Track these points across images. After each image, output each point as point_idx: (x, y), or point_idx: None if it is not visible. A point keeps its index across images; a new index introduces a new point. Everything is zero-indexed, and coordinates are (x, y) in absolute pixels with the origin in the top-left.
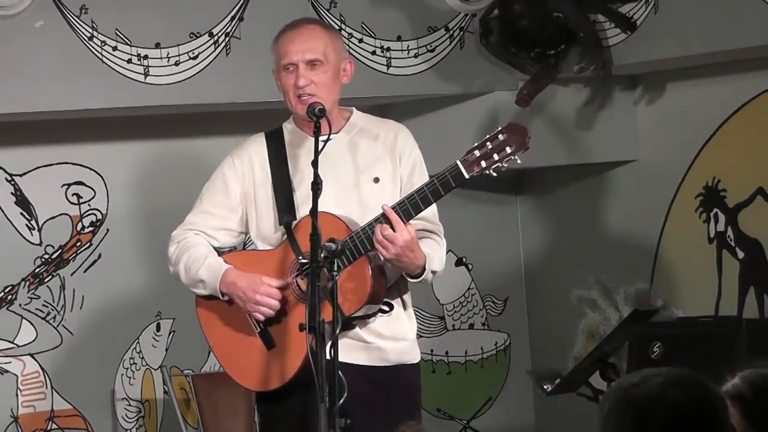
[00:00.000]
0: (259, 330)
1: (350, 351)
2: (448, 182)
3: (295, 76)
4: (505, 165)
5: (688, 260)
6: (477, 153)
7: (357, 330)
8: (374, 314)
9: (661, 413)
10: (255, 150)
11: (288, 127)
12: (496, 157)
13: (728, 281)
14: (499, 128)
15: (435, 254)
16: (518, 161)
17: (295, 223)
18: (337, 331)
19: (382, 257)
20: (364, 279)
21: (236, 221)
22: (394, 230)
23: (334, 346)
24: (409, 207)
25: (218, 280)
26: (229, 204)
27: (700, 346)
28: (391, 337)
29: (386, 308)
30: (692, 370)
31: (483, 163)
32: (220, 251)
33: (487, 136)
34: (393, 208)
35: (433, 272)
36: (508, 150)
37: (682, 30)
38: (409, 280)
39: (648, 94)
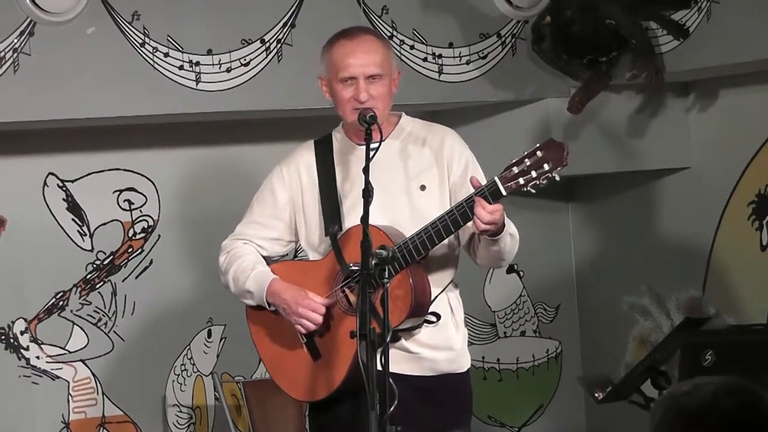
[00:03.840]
0: (304, 341)
1: (396, 362)
2: (486, 199)
3: (355, 90)
4: (543, 182)
5: (741, 268)
6: (515, 170)
7: (402, 341)
8: (419, 326)
9: (713, 422)
10: (303, 159)
11: (337, 136)
12: (534, 174)
13: None
14: (537, 145)
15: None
16: (556, 178)
17: (341, 233)
18: (388, 339)
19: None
20: (406, 292)
21: (285, 231)
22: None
23: (385, 354)
24: (449, 222)
25: (264, 290)
26: (278, 214)
27: (752, 353)
28: (436, 347)
29: (433, 319)
30: (744, 378)
31: (521, 180)
32: (269, 260)
33: (525, 153)
34: (433, 223)
35: (511, 235)
36: (546, 167)
37: (734, 37)
38: (488, 239)
39: (700, 101)
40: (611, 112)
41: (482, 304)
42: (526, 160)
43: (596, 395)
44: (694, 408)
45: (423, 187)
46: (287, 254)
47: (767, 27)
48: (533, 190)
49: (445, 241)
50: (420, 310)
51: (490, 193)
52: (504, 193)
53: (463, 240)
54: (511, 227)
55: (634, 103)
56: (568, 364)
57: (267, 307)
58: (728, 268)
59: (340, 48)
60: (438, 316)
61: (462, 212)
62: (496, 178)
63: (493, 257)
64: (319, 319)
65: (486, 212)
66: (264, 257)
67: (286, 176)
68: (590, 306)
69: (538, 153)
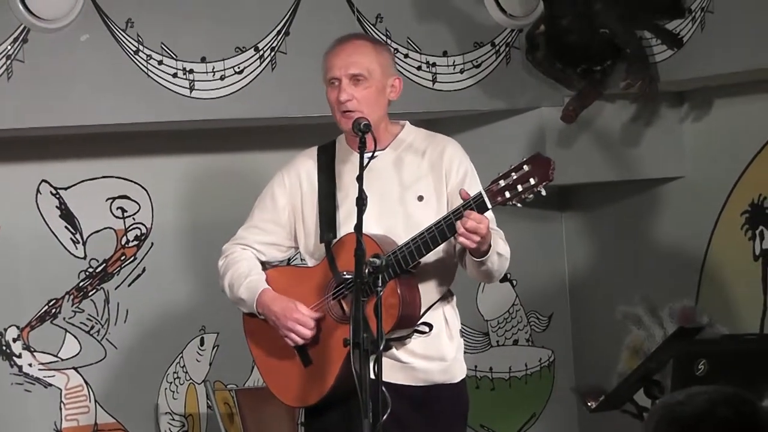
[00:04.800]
0: (295, 347)
1: (388, 371)
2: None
3: (338, 90)
4: (530, 197)
5: (734, 277)
6: (501, 183)
7: (393, 350)
8: (410, 336)
9: (707, 431)
10: (305, 165)
11: (339, 144)
12: (519, 188)
13: None
14: (524, 159)
15: (498, 238)
16: (542, 193)
17: (335, 241)
18: (381, 347)
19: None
20: (394, 303)
21: (284, 237)
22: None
23: (378, 362)
24: (436, 234)
25: (255, 300)
26: (278, 220)
27: (745, 363)
28: (428, 357)
29: (425, 329)
30: (737, 387)
31: (507, 194)
32: (268, 265)
33: (512, 166)
34: (420, 235)
35: (499, 254)
36: (532, 182)
37: (729, 46)
38: (474, 260)
39: (695, 110)
40: (605, 122)
41: (475, 313)
42: (513, 174)
43: (589, 404)
44: (689, 417)
45: (420, 198)
46: (286, 260)
47: (761, 37)
48: (519, 204)
49: (441, 253)
50: (408, 321)
51: (476, 206)
52: (489, 206)
53: (457, 251)
54: (498, 246)
55: (628, 112)
56: (560, 373)
57: (258, 316)
58: (721, 278)
59: (330, 52)
60: (430, 327)
61: (449, 224)
62: (482, 191)
63: (481, 275)
64: (308, 333)
65: (470, 219)
66: (263, 262)
67: (287, 182)
68: (583, 315)
69: (525, 167)
